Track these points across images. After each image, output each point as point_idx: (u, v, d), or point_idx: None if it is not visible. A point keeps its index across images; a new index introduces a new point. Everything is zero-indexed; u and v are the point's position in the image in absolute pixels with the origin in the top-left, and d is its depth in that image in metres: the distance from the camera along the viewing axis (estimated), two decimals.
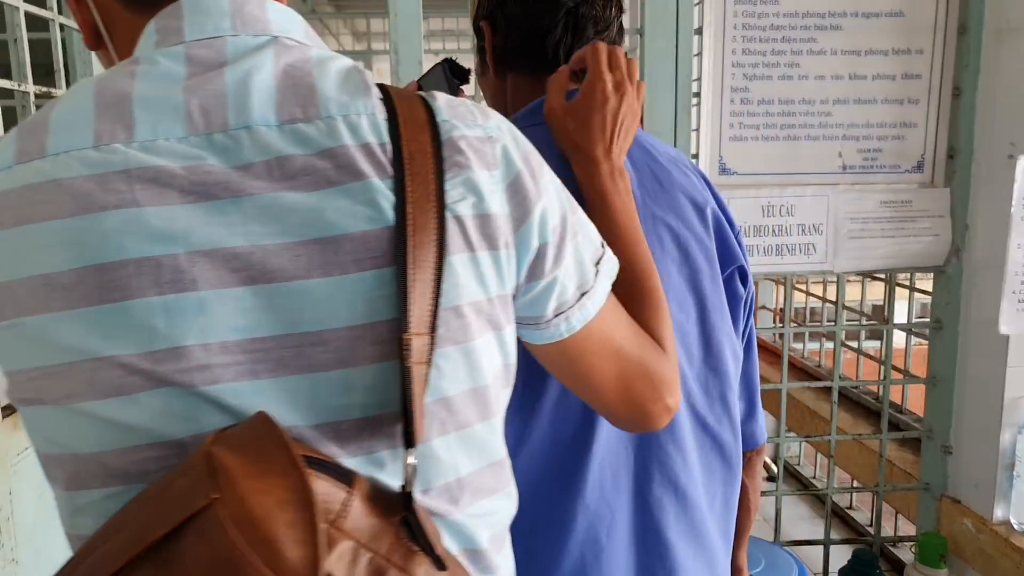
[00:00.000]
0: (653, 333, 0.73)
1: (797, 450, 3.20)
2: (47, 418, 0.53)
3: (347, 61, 0.60)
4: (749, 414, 0.99)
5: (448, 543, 0.58)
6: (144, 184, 0.52)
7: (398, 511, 0.51)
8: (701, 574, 0.87)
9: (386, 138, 0.55)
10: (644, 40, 1.79)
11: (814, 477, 3.07)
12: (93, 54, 0.94)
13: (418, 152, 0.55)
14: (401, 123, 0.55)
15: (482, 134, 0.58)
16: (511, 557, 0.66)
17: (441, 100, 0.59)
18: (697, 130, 1.87)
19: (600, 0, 0.90)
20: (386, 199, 0.54)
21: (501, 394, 0.61)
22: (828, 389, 2.37)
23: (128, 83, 0.55)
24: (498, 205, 0.58)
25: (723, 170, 1.88)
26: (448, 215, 0.55)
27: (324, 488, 0.48)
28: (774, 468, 2.86)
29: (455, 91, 0.91)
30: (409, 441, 0.51)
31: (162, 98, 0.54)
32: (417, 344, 0.52)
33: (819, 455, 3.04)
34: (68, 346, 0.51)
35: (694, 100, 1.84)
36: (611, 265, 0.69)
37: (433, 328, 0.53)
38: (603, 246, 0.68)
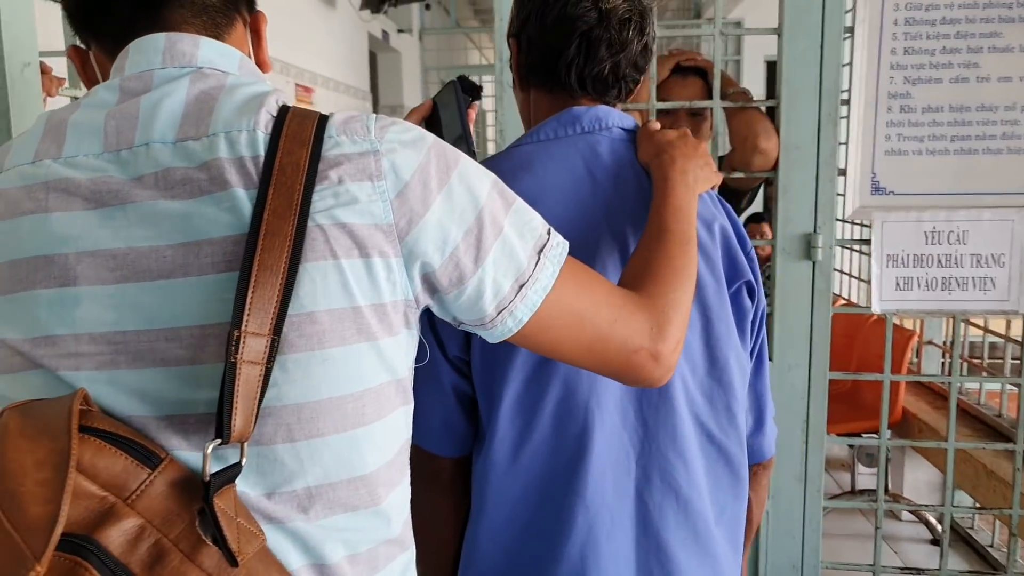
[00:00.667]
0: (649, 293, 0.73)
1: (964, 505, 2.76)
2: None
3: (263, 88, 0.64)
4: (757, 427, 0.99)
5: (291, 554, 0.59)
6: (57, 193, 0.59)
7: (200, 502, 0.53)
8: None
9: (260, 151, 0.59)
10: (783, 42, 1.56)
11: (991, 546, 2.63)
12: None
13: (289, 165, 0.57)
14: (282, 139, 0.59)
15: (367, 148, 0.61)
16: None
17: (337, 119, 0.62)
18: (846, 143, 1.61)
19: (616, 23, 0.90)
20: (248, 208, 0.57)
21: (381, 408, 0.62)
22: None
23: (71, 112, 0.63)
24: (377, 215, 0.59)
25: (876, 189, 1.60)
26: (311, 224, 0.57)
27: (121, 465, 0.52)
28: (938, 528, 2.47)
29: (466, 106, 0.94)
30: (220, 434, 0.53)
31: (89, 121, 0.62)
32: (252, 344, 0.54)
33: (998, 521, 2.60)
34: None
35: (842, 109, 1.59)
36: (559, 250, 0.69)
37: (275, 331, 0.55)
38: (549, 233, 0.69)
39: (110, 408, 0.57)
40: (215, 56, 0.66)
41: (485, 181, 0.66)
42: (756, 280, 0.93)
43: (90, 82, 0.73)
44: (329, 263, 0.58)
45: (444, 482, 0.91)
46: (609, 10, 0.89)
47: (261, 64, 0.75)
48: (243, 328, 0.54)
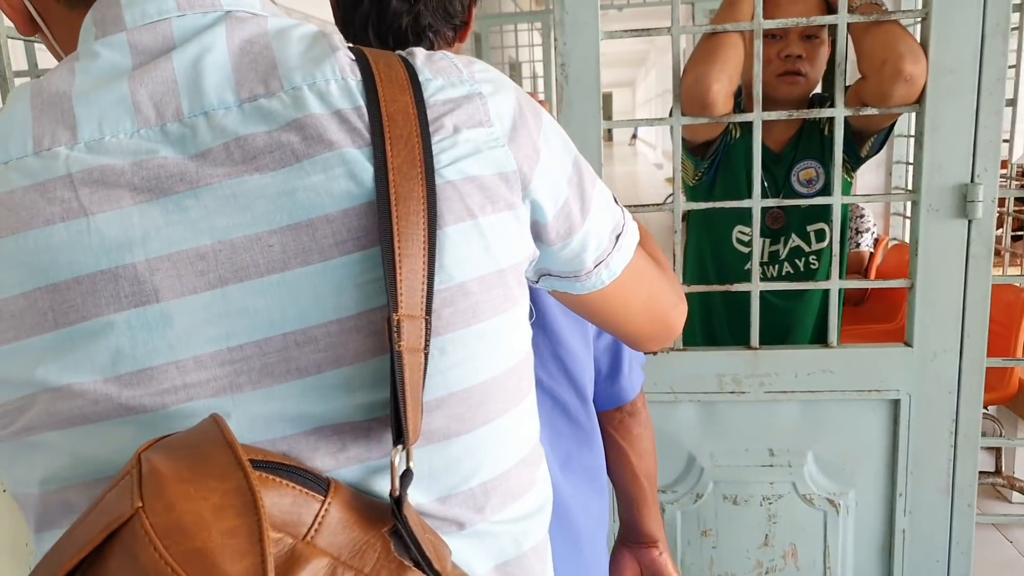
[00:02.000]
0: (651, 251, 0.71)
1: None
2: (7, 455, 0.49)
3: (311, 27, 0.54)
4: (611, 374, 0.96)
5: (475, 558, 0.53)
6: (90, 188, 0.47)
7: (387, 522, 0.46)
8: (552, 538, 0.81)
9: (361, 101, 0.50)
10: (929, 27, 1.18)
11: None
12: None
13: (399, 114, 0.49)
14: (379, 84, 0.50)
15: (469, 91, 0.53)
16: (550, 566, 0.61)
17: (420, 56, 0.55)
18: (1016, 66, 1.23)
19: None
20: (366, 170, 0.48)
21: (530, 377, 0.57)
22: None
23: (67, 81, 0.50)
24: (502, 163, 0.52)
25: None
26: (440, 181, 0.50)
27: (290, 498, 0.43)
28: None
29: None
30: (399, 437, 0.46)
31: (105, 92, 0.49)
32: (409, 328, 0.46)
33: None
34: (21, 380, 0.47)
35: (1013, 18, 1.21)
36: (630, 219, 0.65)
37: (428, 310, 0.47)
38: (622, 210, 0.65)
39: (244, 439, 0.47)
40: None
41: (557, 124, 0.60)
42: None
43: (15, 12, 0.58)
44: (468, 224, 0.50)
45: None
46: None
47: None
48: (400, 311, 0.46)
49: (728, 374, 1.46)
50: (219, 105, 0.49)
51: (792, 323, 1.64)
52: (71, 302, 0.46)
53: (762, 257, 1.63)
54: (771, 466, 1.46)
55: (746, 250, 1.62)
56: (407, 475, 0.46)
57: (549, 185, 0.55)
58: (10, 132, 0.49)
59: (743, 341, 1.52)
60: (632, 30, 1.45)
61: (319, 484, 0.45)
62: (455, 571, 0.49)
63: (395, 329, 0.45)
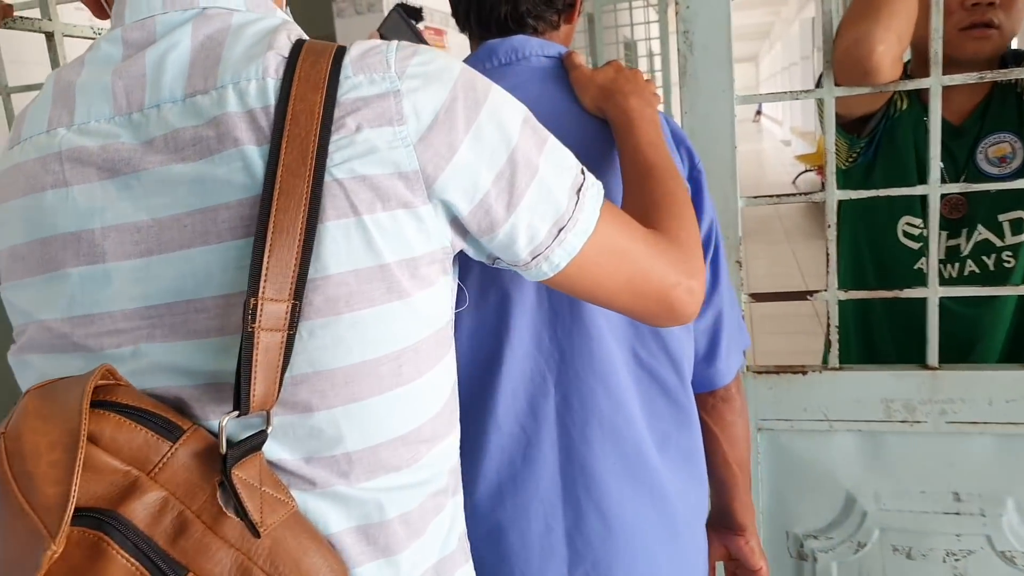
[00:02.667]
0: (669, 231, 0.71)
1: None
2: (17, 367, 0.63)
3: (273, 23, 0.59)
4: (708, 355, 0.92)
5: (331, 516, 0.58)
6: (71, 164, 0.57)
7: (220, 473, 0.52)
8: (642, 513, 0.85)
9: (271, 101, 0.54)
10: None
11: None
12: None
13: (303, 113, 0.53)
14: (294, 83, 0.54)
15: (386, 88, 0.56)
16: (431, 545, 0.63)
17: (354, 52, 0.57)
18: None
19: None
20: (258, 166, 0.54)
21: (420, 365, 0.59)
22: None
23: (77, 71, 0.60)
24: (401, 163, 0.55)
25: None
26: (328, 178, 0.54)
27: (141, 439, 0.52)
28: None
29: (414, 31, 0.91)
30: (237, 405, 0.52)
31: (96, 82, 0.59)
32: (271, 310, 0.52)
33: None
34: (23, 310, 0.60)
35: None
36: (595, 190, 0.65)
37: (296, 295, 0.52)
38: (583, 173, 0.65)
39: (152, 381, 0.57)
40: None
41: (517, 115, 0.61)
42: (701, 199, 0.89)
43: (90, 1, 0.68)
44: (351, 220, 0.54)
45: None
46: None
47: None
48: (260, 295, 0.51)
49: (898, 399, 1.19)
50: (169, 99, 0.56)
51: (978, 336, 1.34)
52: (51, 254, 0.58)
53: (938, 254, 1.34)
54: (957, 514, 1.18)
55: (916, 246, 1.33)
56: (260, 435, 0.53)
57: (463, 182, 0.57)
58: (37, 112, 0.61)
59: (912, 357, 1.25)
60: None
61: (172, 431, 0.53)
62: (289, 524, 0.54)
63: (250, 311, 0.51)
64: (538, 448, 0.83)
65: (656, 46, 6.85)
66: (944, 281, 1.34)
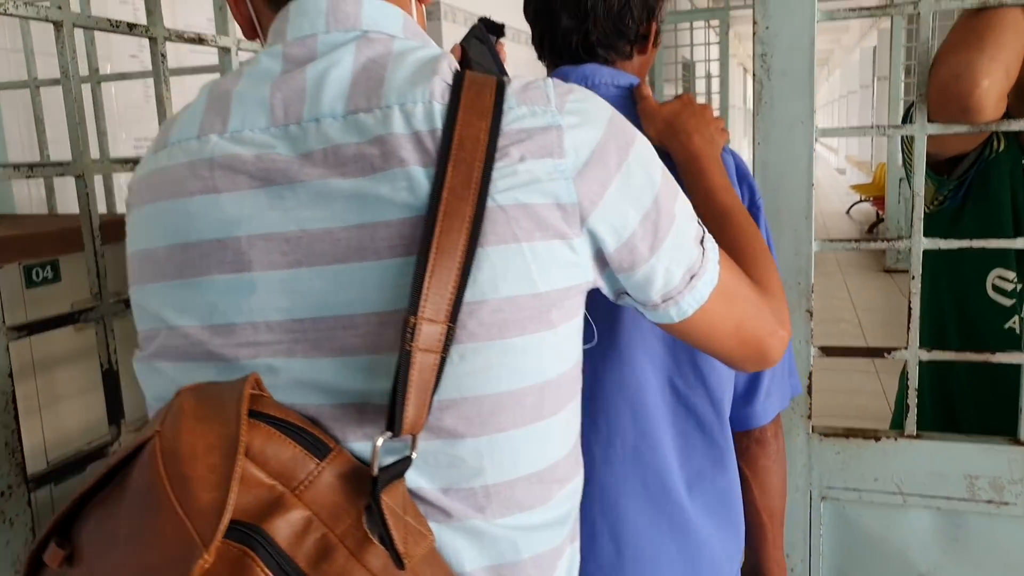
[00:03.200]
0: (759, 279, 0.73)
1: None
2: (143, 372, 0.62)
3: (433, 52, 0.61)
4: (747, 394, 0.90)
5: (465, 553, 0.57)
6: (223, 171, 0.57)
7: (367, 497, 0.51)
8: (659, 545, 0.84)
9: (438, 124, 0.55)
10: None
11: None
12: None
13: (469, 139, 0.54)
14: (460, 109, 0.55)
15: (548, 122, 0.57)
16: None
17: (516, 85, 0.59)
18: None
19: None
20: (424, 186, 0.54)
21: (559, 399, 0.59)
22: None
23: (234, 82, 0.61)
24: (560, 195, 0.56)
25: None
26: (491, 204, 0.54)
27: (289, 453, 0.51)
28: None
29: (491, 48, 0.84)
30: (390, 426, 0.51)
31: (254, 93, 0.59)
32: (428, 330, 0.51)
33: None
34: (154, 314, 0.59)
35: None
36: (712, 242, 0.67)
37: (452, 318, 0.52)
38: (700, 224, 0.66)
39: (286, 397, 0.56)
40: (379, 16, 0.62)
41: (657, 162, 0.63)
42: (757, 220, 0.88)
43: (243, 19, 0.69)
44: (511, 247, 0.55)
45: None
46: None
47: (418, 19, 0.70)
48: (419, 315, 0.51)
49: (984, 476, 1.06)
50: (329, 114, 0.57)
51: None
52: (192, 260, 0.57)
53: None
54: None
55: (1008, 302, 1.20)
56: (405, 462, 0.52)
57: (613, 219, 0.58)
58: (189, 118, 0.61)
59: (999, 427, 1.12)
60: (856, 9, 1.09)
61: (321, 449, 0.52)
62: (428, 559, 0.54)
63: (409, 330, 0.51)
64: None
65: (715, 68, 6.74)
66: None
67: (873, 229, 9.03)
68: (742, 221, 0.78)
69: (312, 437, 0.52)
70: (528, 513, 0.58)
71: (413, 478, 0.55)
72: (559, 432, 0.60)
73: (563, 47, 0.91)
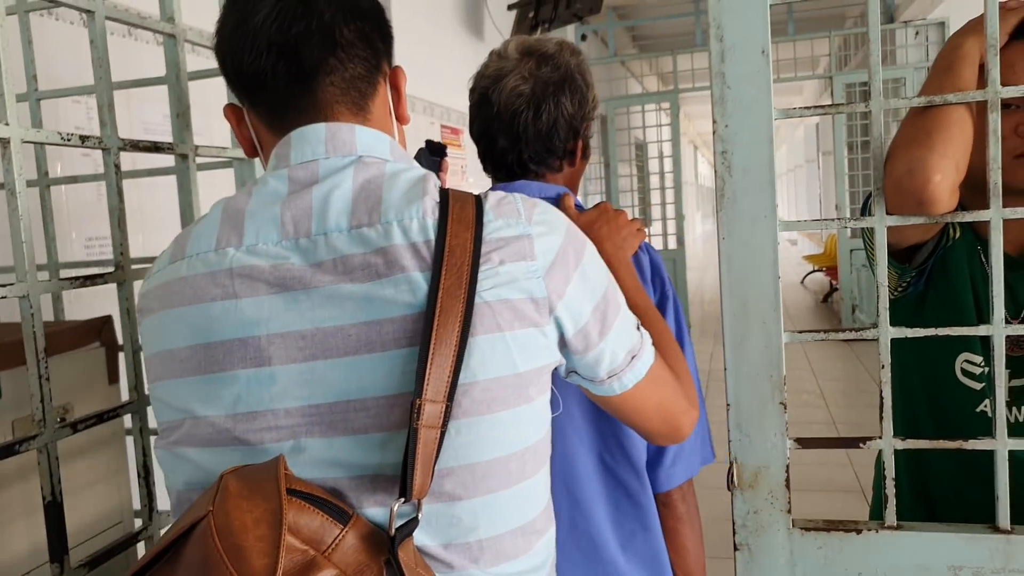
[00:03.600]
0: (672, 367, 0.84)
1: None
2: (166, 461, 0.71)
3: (419, 172, 0.72)
4: (652, 463, 1.02)
5: None
6: (242, 279, 0.68)
7: (386, 553, 0.61)
8: None
9: (431, 235, 0.67)
10: None
11: None
12: None
13: (458, 247, 0.66)
14: (449, 222, 0.67)
15: (521, 232, 0.69)
16: None
17: (491, 200, 0.71)
18: None
19: (507, 114, 1.04)
20: (423, 288, 0.65)
21: (537, 461, 0.71)
22: None
23: (245, 201, 0.72)
24: (533, 291, 0.68)
25: None
26: (478, 301, 0.66)
27: (318, 522, 0.60)
28: None
29: (437, 165, 1.06)
30: (403, 493, 0.61)
31: (265, 212, 0.70)
32: (430, 410, 0.62)
33: None
34: (178, 407, 0.69)
35: None
36: (645, 330, 0.81)
37: (450, 397, 0.63)
38: (638, 329, 0.79)
39: (309, 473, 0.65)
40: (371, 142, 0.74)
41: (603, 266, 0.76)
42: (664, 313, 1.01)
43: (244, 140, 0.80)
44: (496, 335, 0.66)
45: None
46: (501, 100, 1.03)
47: (400, 117, 0.82)
48: (423, 397, 0.61)
49: (967, 566, 1.04)
50: (335, 229, 0.68)
51: None
52: (215, 357, 0.67)
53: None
54: None
55: (977, 386, 1.20)
56: (413, 522, 0.62)
57: (573, 310, 0.70)
58: (204, 233, 0.71)
59: (979, 513, 1.10)
60: (811, 107, 1.12)
61: (342, 516, 0.61)
62: None
63: (416, 411, 0.61)
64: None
65: (667, 147, 6.94)
66: (1012, 426, 1.21)
67: (828, 298, 9.23)
68: (652, 317, 0.91)
69: (335, 507, 0.61)
70: (514, 561, 0.69)
71: (419, 537, 0.65)
72: (537, 491, 0.71)
73: (500, 163, 1.04)
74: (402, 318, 0.64)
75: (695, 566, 1.05)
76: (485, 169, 1.08)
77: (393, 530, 0.60)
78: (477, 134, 1.07)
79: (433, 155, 1.08)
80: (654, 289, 1.01)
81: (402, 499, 0.60)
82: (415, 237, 0.66)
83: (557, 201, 1.01)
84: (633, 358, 0.76)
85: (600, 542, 0.96)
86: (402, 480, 0.60)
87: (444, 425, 0.62)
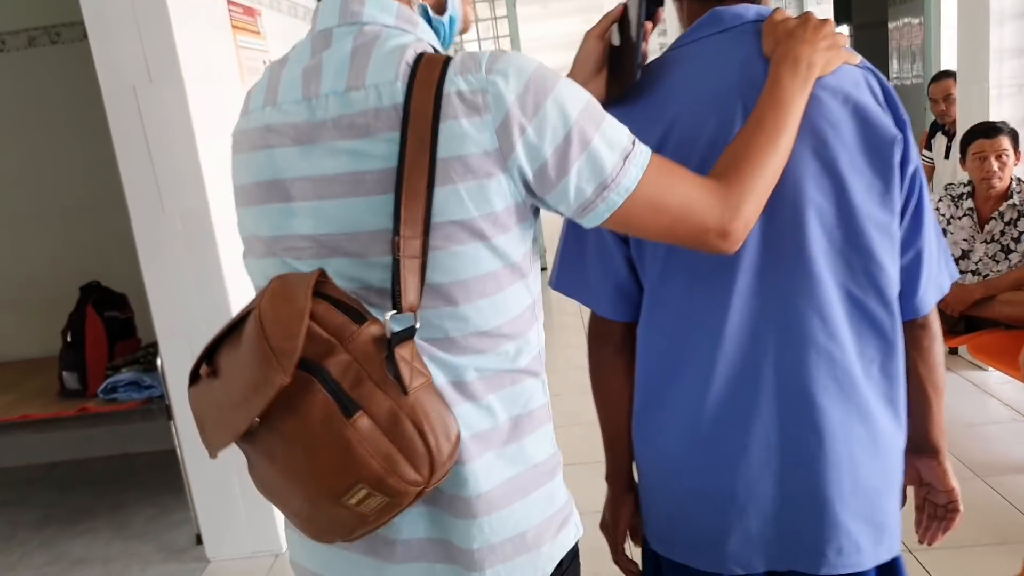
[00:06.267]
0: (732, 179, 0.86)
1: None
2: (247, 267, 0.96)
3: (407, 39, 0.83)
4: (908, 290, 1.02)
5: (439, 374, 0.82)
6: (273, 133, 0.86)
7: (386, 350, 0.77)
8: (849, 428, 0.98)
9: (400, 99, 0.78)
10: None
11: None
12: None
13: (420, 109, 0.77)
14: (415, 87, 0.78)
15: (476, 86, 0.78)
16: (510, 402, 0.87)
17: (457, 59, 0.80)
18: None
19: None
20: (395, 147, 0.78)
21: (499, 285, 0.83)
22: None
23: (283, 64, 0.90)
24: (485, 144, 0.77)
25: None
26: (439, 156, 0.77)
27: (340, 320, 0.77)
28: None
29: (651, 13, 1.02)
30: (395, 305, 0.78)
31: (292, 73, 0.87)
32: (409, 244, 0.77)
33: None
34: (244, 226, 0.93)
35: None
36: (642, 157, 0.83)
37: (425, 234, 0.78)
38: (634, 144, 0.83)
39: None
40: (375, 12, 0.85)
41: (577, 103, 0.80)
42: (908, 143, 0.98)
43: None
44: (450, 187, 0.77)
45: (616, 342, 1.08)
46: None
47: (466, 18, 0.98)
48: (401, 234, 0.77)
49: None
50: (333, 90, 0.82)
51: None
52: (261, 193, 0.87)
53: None
54: None
55: None
56: (412, 329, 0.78)
57: (529, 155, 0.79)
58: (256, 93, 0.91)
59: None
60: None
61: (359, 318, 0.77)
62: (426, 388, 0.78)
63: (396, 245, 0.77)
64: (761, 372, 0.97)
65: None
66: None
67: None
68: (759, 136, 0.89)
69: (355, 311, 0.78)
70: (479, 355, 0.84)
71: (421, 337, 0.81)
72: (500, 304, 0.84)
73: None
74: (380, 171, 0.79)
75: (942, 380, 1.08)
76: None
77: (390, 333, 0.76)
78: None
79: (651, 2, 1.02)
80: (892, 116, 0.98)
81: (394, 311, 0.77)
82: (387, 101, 0.78)
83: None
84: (605, 189, 0.81)
85: (852, 373, 0.98)
86: (392, 297, 0.78)
87: (424, 255, 0.78)
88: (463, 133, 0.76)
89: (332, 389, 0.74)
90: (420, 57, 0.79)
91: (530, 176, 0.78)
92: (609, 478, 1.14)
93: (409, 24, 0.85)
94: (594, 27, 1.06)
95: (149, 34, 2.36)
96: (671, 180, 0.83)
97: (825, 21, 0.96)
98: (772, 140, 0.88)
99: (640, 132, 0.86)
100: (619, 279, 1.03)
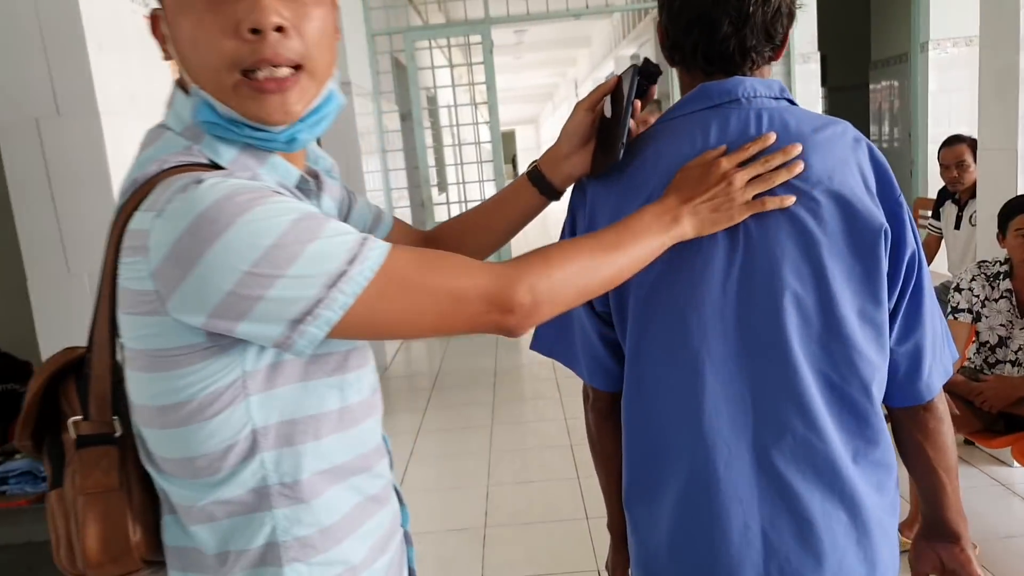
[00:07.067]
0: (531, 258, 0.84)
1: None
2: None
3: (152, 154, 0.81)
4: (911, 375, 1.01)
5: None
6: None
7: None
8: (832, 514, 0.96)
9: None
10: None
11: None
12: None
13: (114, 238, 0.78)
14: (121, 213, 0.78)
15: (146, 226, 0.74)
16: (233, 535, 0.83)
17: (159, 188, 0.75)
18: None
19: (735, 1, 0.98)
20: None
21: (196, 414, 0.78)
22: None
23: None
24: (146, 285, 0.75)
25: None
26: (119, 285, 0.78)
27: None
28: None
29: (643, 90, 1.01)
30: (86, 415, 0.84)
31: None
32: (98, 359, 0.81)
33: None
34: None
35: None
36: (371, 262, 0.76)
37: (112, 355, 0.81)
38: (350, 263, 0.75)
39: None
40: (172, 118, 0.85)
41: (266, 236, 0.72)
42: (902, 228, 0.96)
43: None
44: (126, 315, 0.77)
45: (601, 409, 1.10)
46: None
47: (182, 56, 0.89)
48: (91, 352, 0.81)
49: None
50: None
51: None
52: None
53: None
54: None
55: None
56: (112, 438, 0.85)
57: (192, 304, 0.73)
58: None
59: None
60: None
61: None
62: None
63: (87, 363, 0.82)
64: (739, 458, 0.96)
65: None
66: None
67: None
68: (598, 239, 0.90)
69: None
70: (192, 481, 0.81)
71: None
72: (201, 436, 0.79)
73: (717, 54, 0.99)
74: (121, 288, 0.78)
75: (954, 462, 1.05)
76: (690, 65, 1.02)
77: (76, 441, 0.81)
78: (686, 24, 0.99)
79: (645, 79, 1.01)
80: (883, 199, 0.96)
81: (81, 416, 0.81)
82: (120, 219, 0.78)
83: (781, 95, 1.01)
84: (300, 324, 0.74)
85: (836, 460, 0.96)
86: (82, 407, 0.82)
87: (113, 374, 0.81)
88: (131, 269, 0.76)
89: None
90: (152, 179, 0.77)
91: (198, 323, 0.74)
92: (609, 528, 1.19)
93: (191, 135, 0.82)
94: (585, 98, 1.04)
95: (58, 58, 1.97)
96: (412, 281, 0.78)
97: (731, 173, 0.92)
98: (601, 250, 0.88)
99: (621, 205, 0.95)
100: (596, 353, 1.05)
